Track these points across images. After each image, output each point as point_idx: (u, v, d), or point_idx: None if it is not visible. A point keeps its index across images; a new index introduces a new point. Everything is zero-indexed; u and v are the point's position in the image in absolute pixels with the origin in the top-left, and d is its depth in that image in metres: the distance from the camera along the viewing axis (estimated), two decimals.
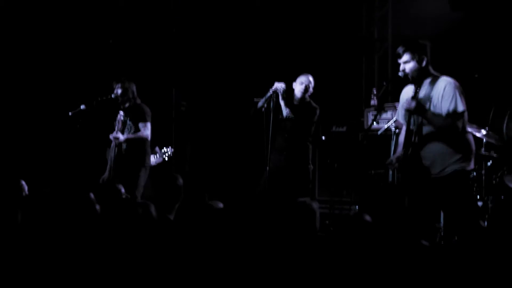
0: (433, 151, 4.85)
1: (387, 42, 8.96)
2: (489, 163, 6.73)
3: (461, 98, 4.83)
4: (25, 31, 8.47)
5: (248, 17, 8.68)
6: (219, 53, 8.80)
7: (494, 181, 6.71)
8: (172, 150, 7.08)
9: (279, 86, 6.46)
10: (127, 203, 3.40)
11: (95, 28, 8.68)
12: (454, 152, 4.84)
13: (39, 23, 8.49)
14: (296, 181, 6.50)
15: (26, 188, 4.27)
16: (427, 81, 4.94)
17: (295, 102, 6.63)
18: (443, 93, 4.82)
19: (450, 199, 4.84)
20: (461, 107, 4.81)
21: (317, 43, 8.61)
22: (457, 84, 4.88)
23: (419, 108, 4.80)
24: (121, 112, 6.85)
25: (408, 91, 5.13)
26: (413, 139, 4.90)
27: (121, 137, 6.73)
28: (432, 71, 4.99)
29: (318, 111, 6.63)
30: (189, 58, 8.85)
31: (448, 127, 4.81)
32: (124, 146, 6.77)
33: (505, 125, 6.90)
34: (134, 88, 7.00)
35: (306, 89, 6.63)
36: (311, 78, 6.69)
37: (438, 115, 4.80)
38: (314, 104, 6.66)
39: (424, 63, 4.94)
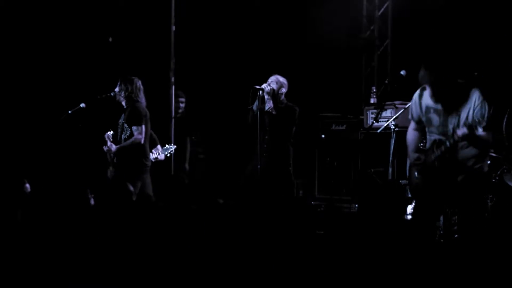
0: (464, 154, 4.87)
1: (387, 40, 8.95)
2: (488, 162, 6.73)
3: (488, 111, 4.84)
4: (25, 30, 8.46)
5: (248, 16, 8.68)
6: (220, 52, 8.80)
7: (493, 180, 6.72)
8: (175, 147, 7.06)
9: (266, 85, 6.52)
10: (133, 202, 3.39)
11: (95, 27, 8.67)
12: (480, 153, 4.87)
13: (39, 23, 8.48)
14: (276, 183, 6.49)
15: (29, 188, 4.27)
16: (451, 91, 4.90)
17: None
18: (475, 106, 4.81)
19: (470, 198, 4.87)
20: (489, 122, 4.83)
21: (316, 42, 8.61)
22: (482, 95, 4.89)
23: (471, 137, 4.75)
24: (109, 133, 6.78)
25: (425, 98, 5.05)
26: (448, 144, 4.87)
27: (113, 148, 6.68)
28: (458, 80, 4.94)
29: (297, 111, 6.59)
30: (189, 57, 8.84)
31: (485, 146, 4.82)
32: (117, 154, 6.73)
33: (504, 123, 6.90)
34: (134, 87, 6.94)
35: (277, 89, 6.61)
36: (281, 79, 6.68)
37: (482, 139, 4.78)
38: (290, 104, 6.62)
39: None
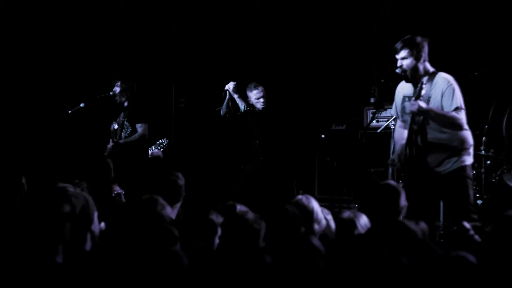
0: (436, 149, 4.86)
1: (386, 39, 8.93)
2: (488, 162, 6.73)
3: (459, 95, 4.85)
4: (25, 30, 8.46)
5: (248, 16, 8.67)
6: (220, 52, 8.79)
7: (493, 180, 6.72)
8: (167, 141, 7.04)
9: (229, 85, 6.59)
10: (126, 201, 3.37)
11: (95, 27, 8.67)
12: (455, 149, 4.86)
13: (39, 23, 8.48)
14: (273, 184, 6.54)
15: (25, 185, 4.26)
16: (424, 79, 4.93)
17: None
18: (443, 93, 4.83)
19: (451, 196, 4.87)
20: (460, 104, 4.84)
21: (316, 42, 8.60)
22: (454, 80, 4.90)
23: (422, 109, 4.77)
24: (114, 123, 6.85)
25: (404, 87, 5.12)
26: (414, 138, 4.89)
27: (119, 142, 6.75)
28: (429, 67, 4.98)
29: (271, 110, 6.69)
30: (189, 56, 8.83)
31: (451, 123, 4.82)
32: (122, 148, 6.77)
33: (504, 122, 6.90)
34: (134, 87, 6.99)
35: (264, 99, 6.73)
36: (260, 88, 6.77)
37: (441, 113, 4.81)
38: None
39: (421, 60, 4.93)
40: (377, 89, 7.78)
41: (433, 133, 4.87)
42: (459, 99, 4.84)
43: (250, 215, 3.28)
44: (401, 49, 4.96)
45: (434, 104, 4.85)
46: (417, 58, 4.92)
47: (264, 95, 6.83)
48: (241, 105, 6.57)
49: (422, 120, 4.85)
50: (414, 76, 4.96)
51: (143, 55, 8.76)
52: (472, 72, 6.67)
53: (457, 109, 4.82)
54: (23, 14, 8.44)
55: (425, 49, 4.96)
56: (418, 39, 4.97)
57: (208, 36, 8.81)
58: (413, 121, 4.92)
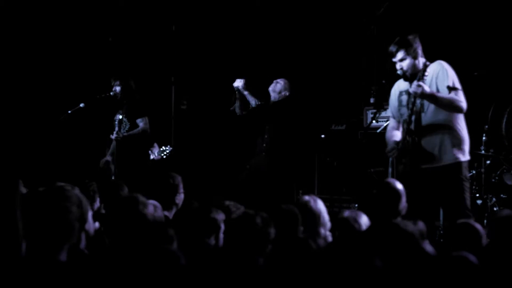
0: (431, 142, 4.87)
1: (386, 39, 8.92)
2: (488, 162, 6.73)
3: (452, 74, 4.86)
4: (25, 30, 8.46)
5: (248, 16, 8.67)
6: (219, 51, 8.80)
7: (493, 180, 6.72)
8: (171, 149, 7.02)
9: (237, 82, 6.56)
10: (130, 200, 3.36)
11: (95, 27, 8.67)
12: (451, 144, 4.87)
13: (39, 23, 8.48)
14: (276, 182, 6.53)
15: (22, 186, 4.25)
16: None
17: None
18: (437, 75, 4.85)
19: (444, 191, 4.88)
20: (457, 85, 4.85)
21: (316, 41, 8.60)
22: (447, 63, 4.92)
23: (426, 92, 4.76)
24: (120, 111, 6.86)
25: (400, 85, 5.14)
26: (412, 128, 4.88)
27: (123, 134, 6.74)
28: (424, 60, 5.00)
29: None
30: (189, 56, 8.83)
31: (451, 106, 4.81)
32: (124, 142, 6.76)
33: (504, 122, 6.90)
34: (132, 84, 6.99)
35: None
36: (282, 82, 6.76)
37: (442, 96, 4.80)
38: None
39: (418, 57, 4.96)
40: (377, 89, 7.79)
41: (430, 116, 4.87)
42: (452, 79, 4.85)
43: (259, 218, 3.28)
44: (397, 51, 4.99)
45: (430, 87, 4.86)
46: (414, 56, 4.95)
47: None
48: (252, 101, 6.55)
49: (420, 105, 4.86)
50: (414, 74, 4.97)
51: (143, 55, 8.76)
52: (472, 72, 6.67)
53: (454, 89, 4.82)
54: (23, 14, 8.44)
55: (419, 45, 5.00)
56: (410, 37, 5.01)
57: (207, 36, 8.81)
58: (411, 110, 4.90)
